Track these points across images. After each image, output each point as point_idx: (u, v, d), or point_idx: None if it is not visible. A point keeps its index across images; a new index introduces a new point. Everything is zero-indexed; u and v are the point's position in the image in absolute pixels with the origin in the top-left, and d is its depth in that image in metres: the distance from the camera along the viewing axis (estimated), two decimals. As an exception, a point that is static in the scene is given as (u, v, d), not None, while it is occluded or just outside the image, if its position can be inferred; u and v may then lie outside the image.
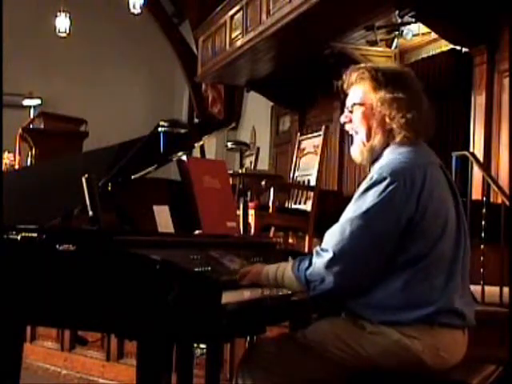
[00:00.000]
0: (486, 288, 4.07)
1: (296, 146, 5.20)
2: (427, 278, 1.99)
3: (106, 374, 4.38)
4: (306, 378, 2.02)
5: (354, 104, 2.14)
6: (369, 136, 2.11)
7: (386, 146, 2.10)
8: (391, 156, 2.07)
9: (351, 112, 2.15)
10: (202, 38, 10.13)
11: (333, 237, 2.01)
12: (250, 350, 2.18)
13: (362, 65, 2.19)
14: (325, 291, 2.00)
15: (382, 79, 2.09)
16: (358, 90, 2.13)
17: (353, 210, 2.01)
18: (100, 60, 13.36)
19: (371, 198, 1.98)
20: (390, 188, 1.97)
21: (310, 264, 2.02)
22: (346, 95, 2.19)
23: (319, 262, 2.00)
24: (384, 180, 1.98)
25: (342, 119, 2.19)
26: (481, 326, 2.14)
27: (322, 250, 2.02)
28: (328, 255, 1.98)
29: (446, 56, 7.08)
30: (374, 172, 2.04)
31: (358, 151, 2.15)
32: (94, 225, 1.97)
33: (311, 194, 4.77)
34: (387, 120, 2.07)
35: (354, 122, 2.15)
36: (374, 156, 2.12)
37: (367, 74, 2.11)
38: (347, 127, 2.18)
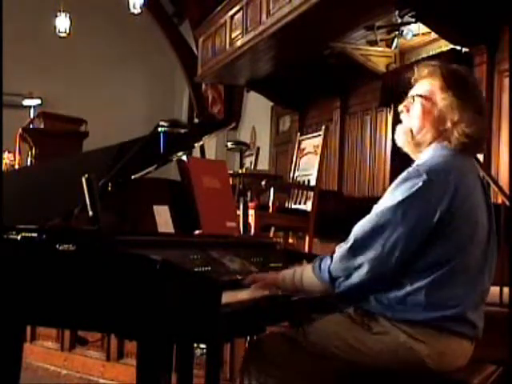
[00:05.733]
0: (486, 288, 4.06)
1: (296, 146, 5.20)
2: (450, 284, 1.97)
3: (106, 374, 4.38)
4: (307, 378, 2.02)
5: (418, 95, 2.11)
6: (420, 130, 2.09)
7: (431, 143, 2.09)
8: (432, 155, 2.06)
9: (412, 102, 2.13)
10: (202, 38, 10.13)
11: (361, 228, 1.99)
12: (250, 351, 2.17)
13: (436, 62, 2.15)
14: (350, 287, 1.98)
15: (452, 81, 2.07)
16: (426, 84, 2.10)
17: (385, 203, 1.99)
18: (100, 60, 13.36)
19: (405, 191, 1.96)
20: (426, 185, 1.95)
21: (332, 260, 2.01)
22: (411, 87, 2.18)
23: (342, 253, 1.99)
24: (420, 176, 1.96)
25: (401, 107, 2.16)
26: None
27: (347, 242, 2.00)
28: (349, 245, 1.97)
29: (446, 56, 7.06)
30: (411, 168, 2.03)
31: (403, 139, 2.14)
32: (94, 225, 1.97)
33: (311, 194, 4.78)
34: (448, 124, 2.05)
35: (412, 113, 2.12)
36: (418, 149, 2.11)
37: (439, 71, 2.09)
38: (402, 116, 2.16)
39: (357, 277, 1.97)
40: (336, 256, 2.00)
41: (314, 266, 2.05)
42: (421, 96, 2.09)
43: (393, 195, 1.99)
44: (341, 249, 2.01)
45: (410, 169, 2.03)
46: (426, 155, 2.08)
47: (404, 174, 2.01)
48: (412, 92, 2.14)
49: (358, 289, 1.99)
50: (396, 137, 2.16)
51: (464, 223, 1.99)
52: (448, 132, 2.05)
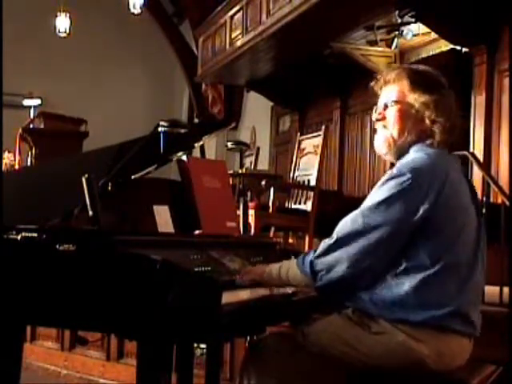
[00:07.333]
0: (486, 288, 4.05)
1: (296, 146, 5.20)
2: (441, 282, 1.97)
3: (106, 374, 4.39)
4: (306, 378, 2.02)
5: (392, 101, 2.11)
6: (401, 134, 2.09)
7: (414, 144, 2.09)
8: (416, 154, 2.06)
9: (385, 109, 2.13)
10: (202, 37, 10.13)
11: (344, 225, 2.01)
12: (250, 351, 2.17)
13: (399, 65, 2.18)
14: (331, 281, 2.00)
15: (420, 80, 2.08)
16: (394, 88, 2.12)
17: (368, 202, 2.00)
18: (100, 60, 13.35)
19: (389, 190, 1.97)
20: (410, 183, 1.96)
21: (314, 254, 2.03)
22: (376, 95, 2.18)
23: (325, 248, 2.01)
24: (404, 175, 1.97)
25: (375, 116, 2.16)
26: (481, 326, 2.14)
27: (330, 238, 2.02)
28: (333, 241, 2.00)
29: (445, 56, 7.07)
30: (395, 168, 2.03)
31: (385, 147, 2.13)
32: (94, 225, 1.97)
33: (311, 194, 4.78)
34: (427, 122, 2.06)
35: (389, 120, 2.11)
36: (401, 153, 2.11)
37: (404, 73, 2.11)
38: (378, 125, 2.15)
39: (337, 272, 1.98)
40: (318, 250, 2.03)
41: (298, 260, 2.08)
42: (395, 101, 2.10)
43: (376, 194, 2.00)
44: (324, 244, 2.03)
45: (393, 169, 2.03)
46: (408, 156, 2.07)
47: (388, 174, 2.02)
48: (383, 99, 2.15)
49: (339, 284, 2.00)
50: (377, 146, 2.16)
51: (450, 222, 1.99)
52: (428, 130, 2.07)
